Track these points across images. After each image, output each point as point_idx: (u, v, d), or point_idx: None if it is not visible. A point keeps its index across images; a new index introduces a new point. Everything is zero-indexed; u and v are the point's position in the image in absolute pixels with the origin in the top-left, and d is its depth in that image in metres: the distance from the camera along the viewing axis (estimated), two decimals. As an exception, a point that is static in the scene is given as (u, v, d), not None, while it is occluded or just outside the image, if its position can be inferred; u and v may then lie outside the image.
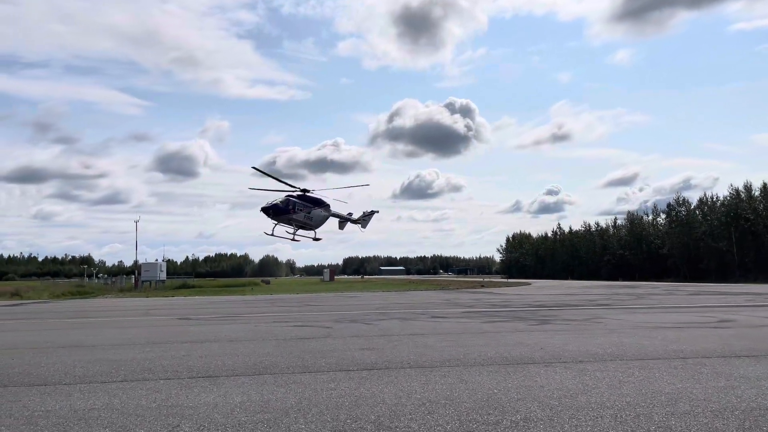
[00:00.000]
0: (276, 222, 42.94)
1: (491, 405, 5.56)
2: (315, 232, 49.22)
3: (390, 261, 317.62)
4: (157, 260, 71.97)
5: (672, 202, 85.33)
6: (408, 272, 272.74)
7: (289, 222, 43.23)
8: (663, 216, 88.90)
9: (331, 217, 47.32)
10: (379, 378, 7.03)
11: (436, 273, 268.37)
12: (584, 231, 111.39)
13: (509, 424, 4.91)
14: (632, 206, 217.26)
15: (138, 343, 11.10)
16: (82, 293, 50.78)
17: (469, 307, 21.58)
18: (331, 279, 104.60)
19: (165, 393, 6.37)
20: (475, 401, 5.72)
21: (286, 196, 43.45)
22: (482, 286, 53.72)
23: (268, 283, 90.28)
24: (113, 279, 71.15)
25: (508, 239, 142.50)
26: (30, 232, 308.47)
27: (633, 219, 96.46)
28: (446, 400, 5.78)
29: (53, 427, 5.05)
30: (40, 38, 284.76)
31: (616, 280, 78.65)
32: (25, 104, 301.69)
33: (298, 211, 43.24)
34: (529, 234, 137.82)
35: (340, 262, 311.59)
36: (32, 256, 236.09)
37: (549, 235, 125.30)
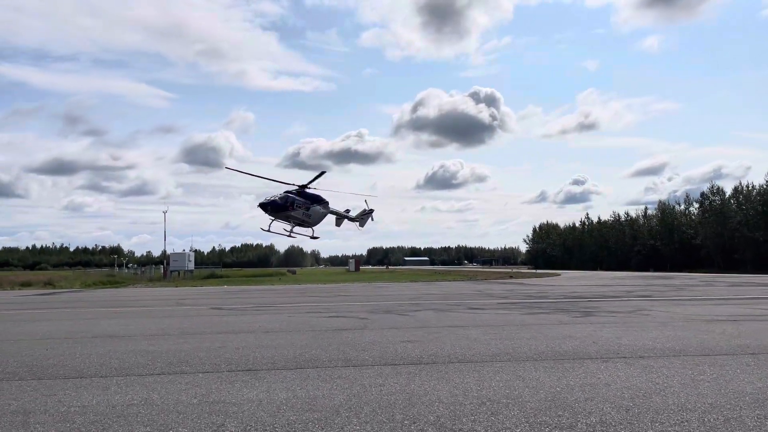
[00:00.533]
0: (273, 218, 42.31)
1: (558, 405, 5.10)
2: (312, 230, 48.74)
3: (414, 251, 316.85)
4: (185, 250, 72.53)
5: (706, 191, 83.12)
6: (432, 263, 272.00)
7: (287, 219, 42.53)
8: (696, 205, 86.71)
9: (328, 215, 46.85)
10: (429, 374, 6.62)
11: (460, 264, 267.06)
12: (613, 221, 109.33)
13: (584, 427, 4.45)
14: (660, 196, 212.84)
15: (172, 333, 10.86)
16: (112, 283, 51.33)
17: (503, 298, 21.04)
18: (357, 269, 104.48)
19: (205, 387, 6.05)
20: (539, 401, 5.27)
21: (285, 192, 42.76)
22: (511, 276, 52.96)
23: (294, 273, 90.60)
24: (142, 269, 71.96)
25: (534, 230, 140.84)
26: (61, 223, 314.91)
27: (664, 209, 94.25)
28: (507, 399, 5.34)
29: (90, 425, 4.74)
30: (69, 32, 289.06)
31: (647, 270, 77.04)
32: (55, 97, 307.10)
33: (297, 208, 42.58)
34: (556, 224, 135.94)
35: (364, 253, 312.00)
36: (64, 246, 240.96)
37: (577, 225, 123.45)
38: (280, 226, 44.75)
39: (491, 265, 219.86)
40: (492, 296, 22.11)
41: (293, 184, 43.72)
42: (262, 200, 42.11)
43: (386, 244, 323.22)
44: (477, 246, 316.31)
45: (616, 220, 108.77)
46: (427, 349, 8.37)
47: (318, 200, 45.35)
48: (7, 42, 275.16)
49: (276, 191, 41.92)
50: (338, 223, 51.89)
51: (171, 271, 63.23)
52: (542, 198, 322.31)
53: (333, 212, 49.71)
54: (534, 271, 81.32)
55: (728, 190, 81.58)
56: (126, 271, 70.68)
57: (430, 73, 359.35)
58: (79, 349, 8.94)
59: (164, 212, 63.31)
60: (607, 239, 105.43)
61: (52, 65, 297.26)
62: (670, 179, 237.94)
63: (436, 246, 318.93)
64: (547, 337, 9.56)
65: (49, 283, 46.18)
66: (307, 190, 43.64)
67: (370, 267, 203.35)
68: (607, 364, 7.04)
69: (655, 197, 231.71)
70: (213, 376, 6.69)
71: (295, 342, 9.38)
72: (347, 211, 50.93)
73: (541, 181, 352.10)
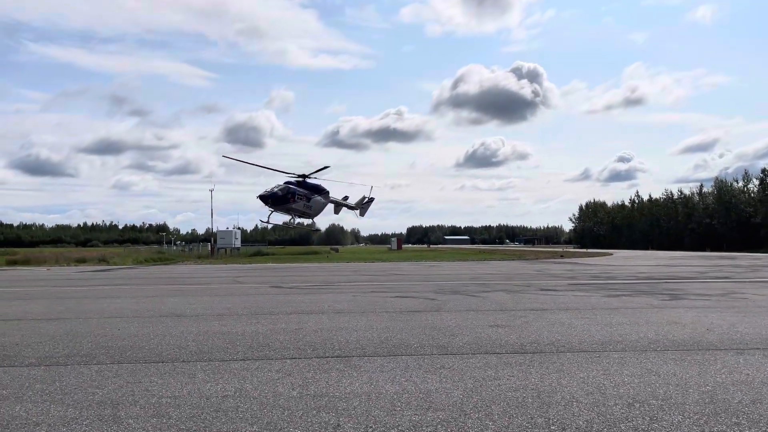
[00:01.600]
0: (273, 210, 41.16)
1: (724, 409, 4.32)
2: (314, 222, 47.76)
3: (454, 230, 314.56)
4: (231, 228, 73.34)
5: (767, 166, 79.13)
6: (473, 242, 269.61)
7: (287, 211, 41.32)
8: (755, 182, 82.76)
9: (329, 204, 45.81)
10: (542, 365, 5.90)
11: (501, 243, 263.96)
12: (665, 199, 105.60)
13: (777, 440, 3.67)
14: (711, 173, 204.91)
15: (240, 313, 10.42)
16: (162, 259, 52.12)
17: (570, 278, 20.09)
18: (399, 248, 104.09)
19: (299, 377, 5.48)
20: (696, 403, 4.50)
21: (285, 183, 41.42)
22: (562, 256, 51.51)
23: (337, 251, 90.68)
24: (190, 246, 73.16)
25: (580, 208, 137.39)
26: (110, 201, 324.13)
27: (721, 186, 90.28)
28: (656, 399, 4.58)
29: (189, 421, 4.21)
30: (114, 14, 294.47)
31: (703, 250, 74.15)
32: (101, 78, 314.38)
33: (298, 200, 41.44)
34: (604, 202, 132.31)
35: (404, 231, 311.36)
36: (113, 223, 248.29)
37: (626, 203, 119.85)
38: (280, 217, 43.78)
39: (534, 244, 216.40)
40: (556, 276, 21.16)
41: (293, 174, 42.67)
42: (261, 192, 40.77)
43: (425, 222, 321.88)
44: (519, 225, 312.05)
45: (669, 197, 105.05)
46: (523, 336, 7.65)
47: (319, 190, 44.23)
48: (55, 25, 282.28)
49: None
50: (336, 211, 51.02)
51: (218, 249, 63.97)
52: (585, 176, 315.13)
53: (333, 201, 48.71)
54: (584, 250, 79.24)
55: (791, 166, 77.54)
56: (174, 248, 71.93)
57: (471, 49, 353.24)
58: (151, 329, 8.54)
59: (211, 190, 64.17)
60: (658, 218, 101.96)
61: (98, 47, 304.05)
62: (721, 156, 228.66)
63: (476, 225, 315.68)
64: (649, 323, 8.71)
65: (102, 260, 47.11)
66: (308, 180, 42.46)
67: (410, 246, 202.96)
68: (744, 357, 6.19)
69: (705, 175, 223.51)
70: (302, 362, 6.12)
71: (374, 324, 8.79)
72: (345, 198, 49.99)
73: (585, 158, 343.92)
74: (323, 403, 4.63)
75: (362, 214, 51.72)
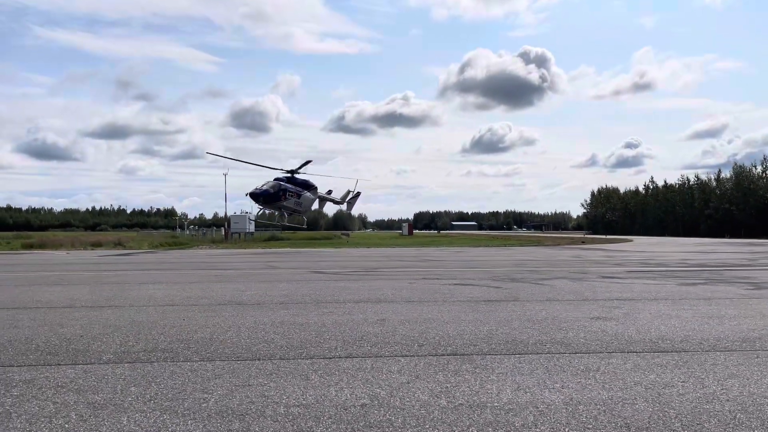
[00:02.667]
0: (262, 208, 39.91)
1: None
2: (304, 219, 46.59)
3: (461, 216, 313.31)
4: (245, 212, 72.62)
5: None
6: (480, 227, 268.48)
7: (279, 209, 40.17)
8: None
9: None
10: (700, 365, 5.15)
11: (509, 229, 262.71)
12: (680, 184, 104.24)
13: None
14: (719, 159, 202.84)
15: (302, 301, 9.67)
16: (177, 244, 51.53)
17: (618, 265, 19.26)
18: (410, 233, 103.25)
19: (430, 380, 4.72)
20: None
21: (276, 179, 40.10)
22: (583, 242, 50.69)
23: (348, 235, 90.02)
24: (204, 230, 72.50)
25: (592, 194, 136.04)
26: (116, 186, 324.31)
27: (740, 171, 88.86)
28: None
29: (341, 439, 3.45)
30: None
31: (722, 236, 73.14)
32: (107, 62, 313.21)
33: (289, 197, 40.40)
34: (616, 188, 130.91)
35: (410, 217, 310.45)
36: (121, 208, 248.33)
37: (640, 189, 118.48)
38: (268, 214, 42.51)
39: (542, 230, 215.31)
40: (600, 263, 20.33)
41: (281, 169, 41.47)
42: (252, 189, 39.36)
43: (431, 208, 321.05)
44: (526, 211, 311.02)
45: (684, 183, 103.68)
46: (642, 331, 6.87)
47: (308, 186, 43.09)
48: (61, 8, 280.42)
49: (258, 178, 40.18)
50: (321, 206, 50.13)
51: (232, 233, 63.32)
52: (593, 162, 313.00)
53: (321, 197, 47.65)
54: (603, 236, 78.20)
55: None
56: (187, 232, 71.33)
57: (478, 33, 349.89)
58: (219, 319, 7.80)
59: (224, 174, 63.15)
60: (673, 203, 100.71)
61: (104, 30, 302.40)
62: (730, 142, 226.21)
63: (482, 211, 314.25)
64: (765, 315, 7.92)
65: (119, 244, 46.59)
66: (297, 176, 41.26)
67: (419, 231, 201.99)
68: None
69: (714, 161, 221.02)
70: (419, 360, 5.36)
71: (458, 316, 8.02)
72: (329, 192, 49.07)
73: (592, 144, 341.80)
74: (487, 415, 3.86)
75: (349, 208, 50.98)
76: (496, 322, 7.51)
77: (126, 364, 5.33)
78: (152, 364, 5.34)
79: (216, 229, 70.48)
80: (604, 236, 76.57)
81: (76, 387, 4.58)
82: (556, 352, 5.72)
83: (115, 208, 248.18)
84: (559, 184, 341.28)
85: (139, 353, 5.77)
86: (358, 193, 50.92)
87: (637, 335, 6.55)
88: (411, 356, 5.58)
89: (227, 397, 4.30)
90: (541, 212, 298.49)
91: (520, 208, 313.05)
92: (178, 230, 75.54)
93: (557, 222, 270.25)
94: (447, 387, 4.52)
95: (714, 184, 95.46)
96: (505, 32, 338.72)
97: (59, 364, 5.35)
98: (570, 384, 4.58)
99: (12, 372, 5.08)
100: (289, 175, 41.91)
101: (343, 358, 5.51)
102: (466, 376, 4.83)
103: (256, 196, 39.30)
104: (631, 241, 55.68)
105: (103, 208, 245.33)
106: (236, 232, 64.46)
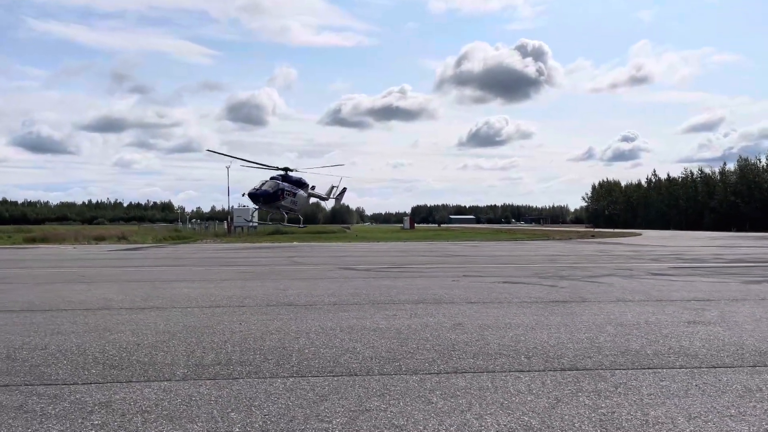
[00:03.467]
0: (258, 207, 39.20)
1: None
2: (300, 218, 45.86)
3: (459, 210, 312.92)
4: (243, 206, 71.63)
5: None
6: (478, 221, 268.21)
7: (277, 209, 39.45)
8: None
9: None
10: None
11: (508, 222, 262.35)
12: (684, 178, 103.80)
13: None
14: (715, 153, 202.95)
15: (353, 302, 8.98)
16: (181, 238, 50.73)
17: (652, 260, 18.62)
18: (411, 227, 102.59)
19: (574, 402, 4.05)
20: None
21: (272, 179, 39.23)
22: (593, 236, 50.10)
23: (349, 229, 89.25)
24: (207, 224, 71.62)
25: (593, 187, 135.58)
26: (112, 179, 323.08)
27: (744, 164, 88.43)
28: None
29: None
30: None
31: (727, 230, 72.73)
32: (102, 55, 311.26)
33: (286, 196, 39.76)
34: (618, 182, 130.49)
35: (408, 210, 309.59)
36: (118, 201, 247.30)
37: (641, 182, 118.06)
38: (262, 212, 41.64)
39: (539, 223, 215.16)
40: (634, 258, 19.70)
41: (276, 168, 40.58)
42: (251, 190, 38.49)
43: (426, 201, 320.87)
44: (524, 204, 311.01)
45: (687, 176, 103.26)
46: (760, 338, 6.21)
47: (301, 184, 42.38)
48: (55, 0, 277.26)
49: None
50: (307, 201, 49.53)
51: (235, 227, 62.45)
52: (589, 155, 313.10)
53: (313, 195, 46.84)
54: (612, 230, 77.64)
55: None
56: (189, 226, 70.42)
57: (476, 26, 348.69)
58: (278, 323, 7.11)
59: (227, 167, 62.29)
60: (676, 197, 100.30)
61: (99, 23, 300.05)
62: (726, 135, 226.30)
63: (479, 204, 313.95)
64: None
65: (122, 238, 45.75)
66: (291, 174, 40.42)
67: (418, 225, 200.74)
68: None
69: (709, 154, 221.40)
70: (541, 377, 4.68)
71: (538, 320, 7.35)
72: (312, 187, 48.45)
73: (589, 137, 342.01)
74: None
75: (338, 203, 50.48)
76: (585, 327, 6.84)
77: (207, 381, 4.64)
78: (237, 381, 4.65)
79: (218, 223, 69.65)
80: (611, 230, 76.02)
81: (166, 413, 3.89)
82: (690, 366, 5.05)
83: (112, 202, 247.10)
84: (556, 177, 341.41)
85: (214, 367, 5.07)
86: (344, 189, 50.27)
87: (763, 344, 5.89)
88: (526, 371, 4.90)
89: (351, 428, 3.61)
90: (539, 206, 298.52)
91: (517, 201, 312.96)
92: (180, 224, 74.55)
93: (555, 215, 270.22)
94: (605, 414, 3.84)
95: (718, 177, 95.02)
96: (502, 25, 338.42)
97: (130, 381, 4.65)
98: (747, 410, 3.91)
99: (79, 392, 4.38)
100: (283, 172, 41.06)
101: (451, 374, 4.82)
102: (616, 399, 4.15)
103: (256, 196, 38.48)
104: (640, 234, 55.12)
105: (99, 201, 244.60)
106: (239, 226, 63.57)
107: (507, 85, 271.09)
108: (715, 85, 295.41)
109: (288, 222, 47.35)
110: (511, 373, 4.83)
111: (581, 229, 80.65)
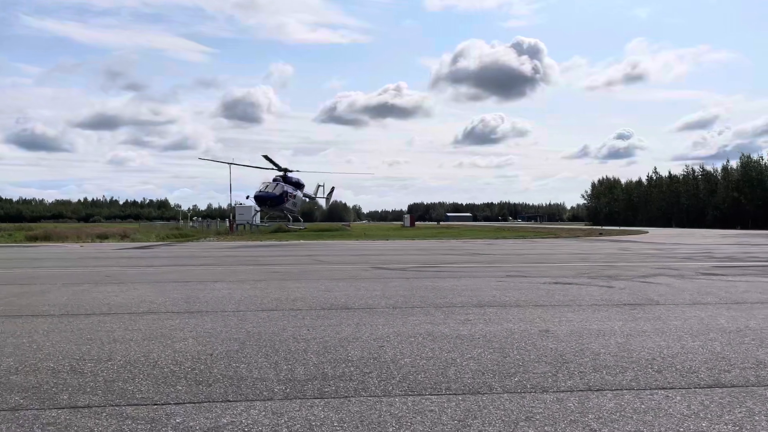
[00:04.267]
0: (260, 210, 38.41)
1: None
2: (300, 219, 45.34)
3: (456, 208, 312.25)
4: (239, 203, 70.77)
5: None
6: (475, 219, 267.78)
7: (281, 211, 38.76)
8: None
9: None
10: None
11: (505, 220, 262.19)
12: (685, 175, 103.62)
13: None
14: (710, 151, 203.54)
15: (412, 304, 8.42)
16: (184, 236, 50.02)
17: (684, 258, 18.13)
18: (412, 224, 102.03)
19: (759, 425, 3.51)
20: None
21: (276, 181, 38.39)
22: (600, 234, 49.70)
23: (349, 227, 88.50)
24: (208, 222, 70.85)
25: (593, 185, 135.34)
26: (106, 177, 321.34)
27: (747, 161, 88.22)
28: None
29: None
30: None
31: (733, 227, 72.53)
32: (96, 52, 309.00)
33: (289, 198, 39.13)
34: (618, 179, 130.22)
35: (404, 208, 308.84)
36: (114, 199, 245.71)
37: (642, 180, 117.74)
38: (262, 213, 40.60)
39: (536, 221, 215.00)
40: (664, 257, 19.20)
41: (272, 169, 39.72)
42: (257, 193, 37.44)
43: (422, 199, 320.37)
44: (520, 202, 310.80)
45: (689, 173, 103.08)
46: None
47: (300, 185, 41.78)
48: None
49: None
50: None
51: (237, 225, 61.67)
52: (584, 153, 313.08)
53: (307, 195, 46.06)
54: (618, 228, 77.22)
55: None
56: (191, 224, 69.66)
57: (472, 24, 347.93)
58: (348, 330, 6.55)
59: (229, 164, 61.48)
60: (678, 194, 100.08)
61: (94, 20, 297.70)
62: (720, 133, 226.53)
63: (475, 202, 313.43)
64: None
65: (125, 236, 45.08)
66: (289, 175, 39.65)
67: (418, 223, 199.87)
68: None
69: (704, 152, 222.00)
70: (698, 397, 4.15)
71: (631, 326, 6.81)
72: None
73: (584, 135, 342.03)
74: None
75: (327, 203, 49.97)
76: (686, 333, 6.31)
77: (317, 400, 4.08)
78: (349, 400, 4.09)
79: (220, 221, 68.87)
80: (617, 228, 75.56)
81: (295, 443, 3.33)
82: (844, 380, 4.52)
83: (108, 200, 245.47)
84: (551, 175, 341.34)
85: (312, 382, 4.51)
86: (333, 188, 49.89)
87: None
88: (670, 388, 4.35)
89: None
90: (534, 203, 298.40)
91: (513, 199, 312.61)
92: (181, 221, 73.84)
93: (551, 213, 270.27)
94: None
95: (720, 174, 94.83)
96: (498, 22, 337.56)
97: (228, 401, 4.09)
98: None
99: (177, 414, 3.81)
100: (282, 173, 40.36)
101: (588, 392, 4.27)
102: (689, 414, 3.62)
103: (263, 199, 37.63)
104: (646, 232, 54.76)
105: (95, 199, 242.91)
106: (241, 224, 62.83)
107: (503, 82, 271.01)
108: (711, 83, 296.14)
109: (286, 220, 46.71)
110: (656, 391, 4.28)
111: (584, 227, 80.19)
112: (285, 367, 4.98)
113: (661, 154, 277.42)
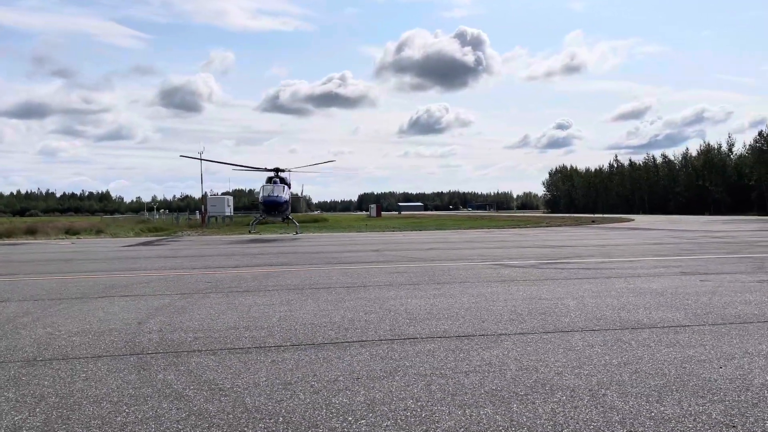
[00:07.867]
0: (266, 215, 36.56)
1: None
2: (296, 224, 44.62)
3: (406, 197, 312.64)
4: (217, 193, 68.08)
5: (765, 130, 79.43)
6: (426, 208, 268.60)
7: (280, 213, 37.00)
8: (745, 146, 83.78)
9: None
10: None
11: (456, 209, 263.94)
12: (646, 162, 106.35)
13: None
14: (642, 140, 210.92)
15: (516, 312, 7.36)
16: (158, 230, 47.32)
17: (716, 249, 17.72)
18: (378, 215, 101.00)
19: None
20: None
21: (275, 182, 36.63)
22: (593, 221, 49.56)
23: (326, 220, 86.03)
24: (177, 215, 67.82)
25: (550, 173, 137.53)
26: (37, 168, 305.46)
27: (709, 150, 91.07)
28: None
29: None
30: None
31: (701, 213, 74.65)
32: (21, 37, 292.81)
33: (290, 200, 37.81)
34: (576, 167, 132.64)
35: (353, 198, 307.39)
36: (50, 192, 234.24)
37: (605, 168, 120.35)
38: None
39: (486, 209, 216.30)
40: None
41: (264, 169, 38.03)
42: (267, 197, 34.80)
43: (367, 189, 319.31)
44: (468, 191, 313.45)
45: (650, 161, 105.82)
46: None
47: (289, 185, 40.48)
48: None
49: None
50: None
51: (209, 218, 58.88)
52: (525, 143, 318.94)
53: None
54: (603, 216, 77.79)
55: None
56: (157, 217, 66.55)
57: (415, 13, 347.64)
58: (484, 356, 5.43)
59: (200, 153, 58.79)
60: (640, 182, 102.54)
61: (18, 2, 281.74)
62: (652, 123, 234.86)
63: (420, 191, 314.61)
64: None
65: (100, 231, 42.33)
66: (281, 175, 38.04)
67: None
68: None
69: (637, 141, 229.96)
70: None
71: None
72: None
73: (525, 125, 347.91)
74: None
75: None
76: None
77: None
78: None
79: (189, 214, 66.01)
80: (598, 215, 75.43)
81: None
82: None
83: (43, 192, 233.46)
84: (493, 164, 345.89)
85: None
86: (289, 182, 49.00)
87: None
88: None
89: None
90: (479, 192, 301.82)
91: (455, 188, 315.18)
92: (146, 214, 70.44)
93: (500, 202, 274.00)
94: None
95: (680, 162, 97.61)
96: (441, 12, 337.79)
97: None
98: None
99: None
100: (275, 173, 38.33)
101: None
102: None
103: (278, 204, 34.75)
104: (632, 220, 55.19)
105: (29, 191, 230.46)
106: (213, 216, 60.06)
107: (445, 72, 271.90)
108: (642, 75, 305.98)
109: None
110: None
111: (550, 215, 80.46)
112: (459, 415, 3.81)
113: (596, 143, 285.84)
